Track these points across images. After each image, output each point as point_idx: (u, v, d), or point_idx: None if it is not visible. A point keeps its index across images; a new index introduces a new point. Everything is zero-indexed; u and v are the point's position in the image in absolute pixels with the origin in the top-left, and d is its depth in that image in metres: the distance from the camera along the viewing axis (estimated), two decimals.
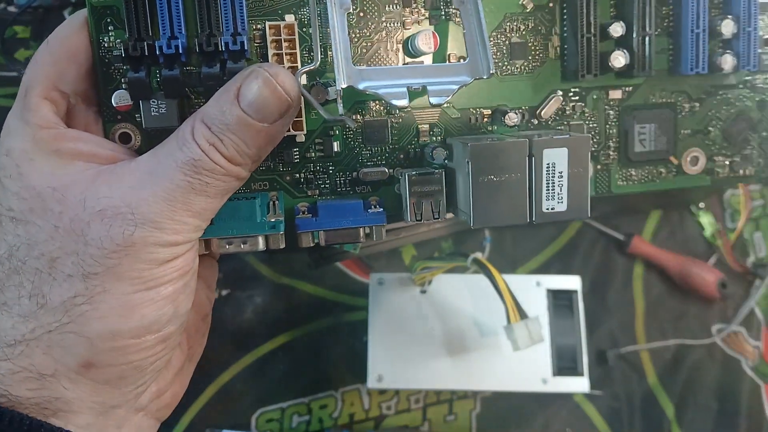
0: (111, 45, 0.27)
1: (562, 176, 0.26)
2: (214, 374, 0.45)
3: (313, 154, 0.29)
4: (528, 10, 0.29)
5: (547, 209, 0.26)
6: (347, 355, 0.46)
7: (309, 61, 0.28)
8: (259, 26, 0.27)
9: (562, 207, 0.26)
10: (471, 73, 0.25)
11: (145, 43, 0.25)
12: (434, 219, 0.28)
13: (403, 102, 0.24)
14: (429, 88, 0.25)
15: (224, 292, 0.45)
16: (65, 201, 0.23)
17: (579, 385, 0.40)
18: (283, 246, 0.28)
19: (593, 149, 0.31)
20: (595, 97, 0.30)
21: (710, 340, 0.48)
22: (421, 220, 0.28)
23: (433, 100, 0.24)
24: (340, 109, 0.25)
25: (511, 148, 0.26)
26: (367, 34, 0.28)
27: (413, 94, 0.25)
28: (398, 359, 0.40)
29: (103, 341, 0.23)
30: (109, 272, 0.23)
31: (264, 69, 0.24)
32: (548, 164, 0.26)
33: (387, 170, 0.29)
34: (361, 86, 0.24)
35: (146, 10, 0.26)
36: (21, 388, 0.22)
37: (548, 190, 0.26)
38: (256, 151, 0.24)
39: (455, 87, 0.25)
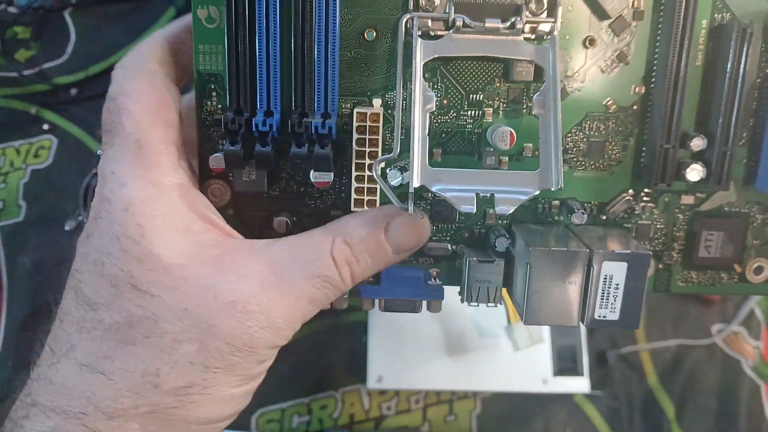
0: (213, 109, 0.29)
1: (618, 288, 0.27)
2: None
3: None
4: (610, 111, 0.29)
5: (599, 317, 0.27)
6: (347, 355, 0.46)
7: (390, 142, 0.29)
8: (347, 105, 0.29)
9: (614, 316, 0.27)
10: (540, 185, 0.26)
11: (243, 119, 0.27)
12: (490, 304, 0.29)
13: (470, 209, 0.25)
14: (497, 196, 0.26)
15: None
16: (194, 283, 0.23)
17: (579, 385, 0.41)
18: (345, 306, 0.30)
19: (658, 249, 0.31)
20: (666, 200, 0.30)
21: (710, 341, 0.48)
22: (477, 304, 0.29)
23: (499, 210, 0.26)
24: (410, 208, 0.26)
25: (572, 257, 0.27)
26: (447, 120, 0.29)
27: (481, 201, 0.26)
28: (398, 359, 0.41)
29: (199, 427, 0.24)
30: (228, 368, 0.23)
31: (414, 217, 0.26)
32: (606, 276, 0.27)
33: (450, 247, 0.31)
34: (433, 188, 0.26)
35: (247, 82, 0.28)
36: None
37: (603, 299, 0.27)
38: (374, 272, 0.27)
39: (522, 197, 0.26)
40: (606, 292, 0.27)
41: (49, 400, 0.23)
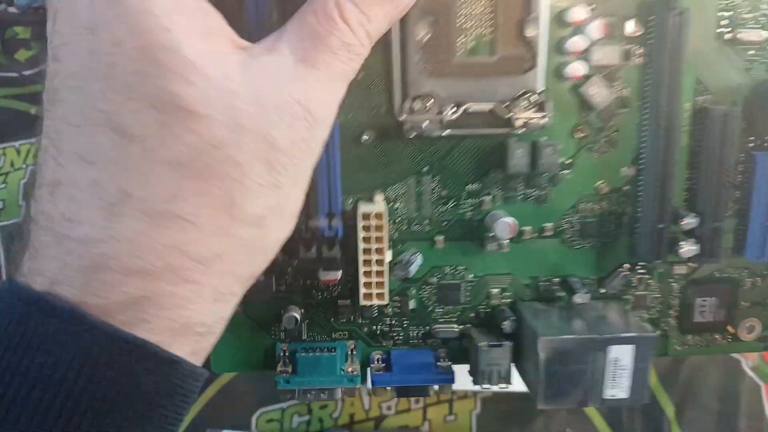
0: None
1: (625, 369, 0.28)
2: (214, 374, 0.45)
3: (390, 311, 0.31)
4: (603, 192, 0.30)
5: (609, 396, 0.28)
6: None
7: (393, 234, 0.30)
8: (349, 200, 0.30)
9: (623, 394, 0.28)
10: None
11: None
12: (501, 385, 0.30)
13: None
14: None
15: None
16: (243, 94, 0.20)
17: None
18: (355, 395, 0.31)
19: (654, 316, 0.32)
20: (660, 271, 0.32)
21: None
22: (489, 386, 0.30)
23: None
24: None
25: (580, 345, 0.28)
26: (448, 210, 0.30)
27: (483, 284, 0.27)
28: None
29: (273, 251, 0.23)
30: (293, 181, 0.22)
31: None
32: (614, 358, 0.28)
33: (457, 328, 0.32)
34: None
35: None
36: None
37: (612, 380, 0.28)
38: (386, 28, 0.23)
39: None
40: (615, 373, 0.28)
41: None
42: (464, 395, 0.46)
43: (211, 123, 0.19)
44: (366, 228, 0.28)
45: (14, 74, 0.47)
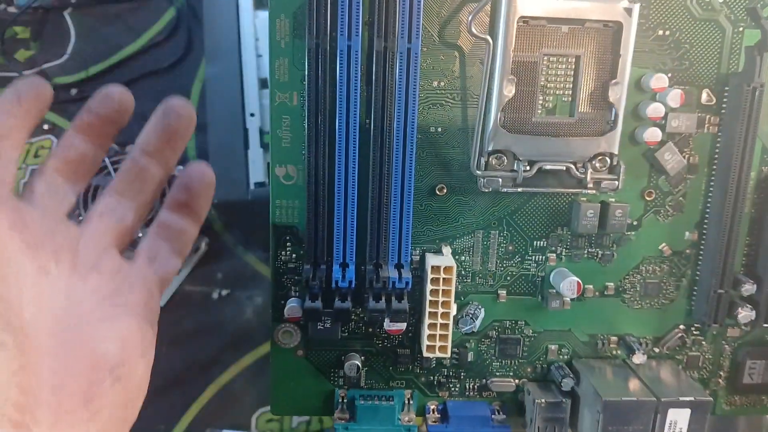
0: (287, 258, 0.29)
1: (681, 430, 0.28)
2: (214, 374, 0.46)
3: (448, 362, 0.32)
4: (665, 255, 0.31)
5: None
6: None
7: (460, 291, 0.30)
8: (416, 252, 0.30)
9: None
10: None
11: (323, 275, 0.28)
12: None
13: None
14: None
15: (224, 292, 0.46)
16: None
17: None
18: None
19: (705, 376, 0.33)
20: (714, 333, 0.32)
21: None
22: None
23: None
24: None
25: (641, 407, 0.28)
26: (512, 265, 0.31)
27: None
28: None
29: None
30: None
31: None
32: (671, 421, 0.28)
33: (514, 382, 0.32)
34: None
35: (324, 236, 0.28)
36: None
37: None
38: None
39: None
40: None
41: None
42: None
43: None
44: (435, 281, 0.29)
45: (14, 74, 0.47)
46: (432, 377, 0.32)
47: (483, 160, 0.28)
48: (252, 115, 0.43)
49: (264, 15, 0.43)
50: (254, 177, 0.43)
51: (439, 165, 0.29)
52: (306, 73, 0.26)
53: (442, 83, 0.28)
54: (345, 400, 0.31)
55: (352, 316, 0.30)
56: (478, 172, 0.28)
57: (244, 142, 0.43)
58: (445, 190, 0.29)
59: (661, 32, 0.28)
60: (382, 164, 0.27)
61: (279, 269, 0.30)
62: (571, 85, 0.28)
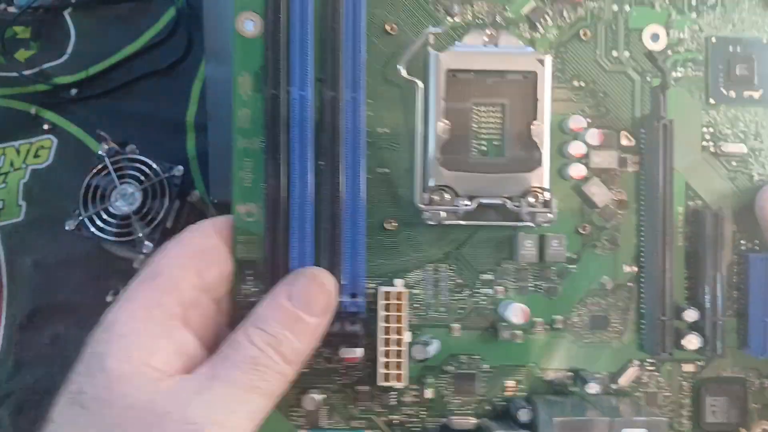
0: (248, 292, 0.31)
1: None
2: None
3: (407, 399, 0.32)
4: (608, 288, 0.32)
5: None
6: None
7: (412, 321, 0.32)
8: (371, 285, 0.32)
9: None
10: None
11: None
12: None
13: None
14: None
15: None
16: (139, 405, 0.24)
17: None
18: None
19: (668, 416, 0.33)
20: (669, 368, 0.33)
21: None
22: None
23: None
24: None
25: (594, 426, 0.28)
26: (463, 299, 0.32)
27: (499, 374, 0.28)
28: None
29: None
30: None
31: (307, 270, 0.28)
32: None
33: (473, 420, 0.32)
34: None
35: (279, 270, 0.30)
36: None
37: None
38: (306, 347, 0.27)
39: None
40: None
41: None
42: None
43: (95, 419, 0.24)
44: (387, 307, 0.30)
45: (14, 74, 0.47)
46: (392, 416, 0.32)
47: (426, 196, 0.31)
48: None
49: None
50: None
51: (388, 203, 0.32)
52: (264, 120, 0.30)
53: (387, 129, 0.32)
54: None
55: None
56: (421, 206, 0.31)
57: None
58: (395, 224, 0.32)
59: (576, 83, 0.32)
60: (334, 202, 0.30)
61: (241, 303, 0.31)
62: (500, 129, 0.32)
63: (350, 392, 0.32)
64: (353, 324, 0.30)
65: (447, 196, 0.31)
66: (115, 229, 0.41)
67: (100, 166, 0.42)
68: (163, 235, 0.41)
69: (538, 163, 0.31)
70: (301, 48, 0.30)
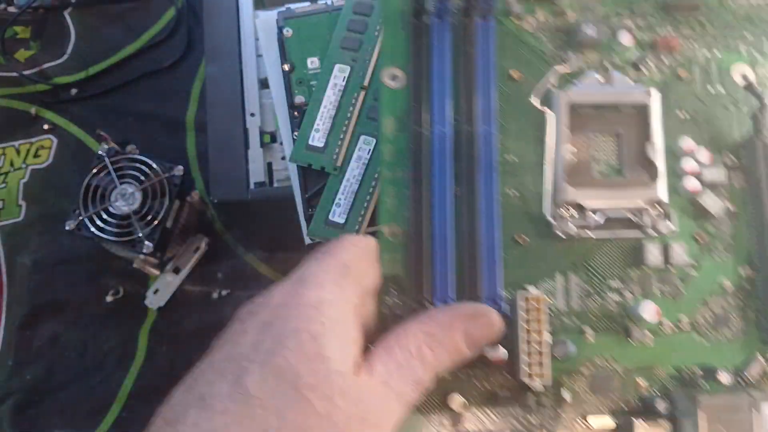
0: (393, 304, 0.31)
1: None
2: None
3: (546, 401, 0.32)
4: (727, 290, 0.33)
5: None
6: None
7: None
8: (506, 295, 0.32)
9: None
10: None
11: None
12: None
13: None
14: None
15: (224, 292, 0.44)
16: (350, 397, 0.24)
17: None
18: None
19: None
20: None
21: None
22: None
23: None
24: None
25: (736, 403, 0.29)
26: (592, 305, 0.33)
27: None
28: None
29: None
30: None
31: (489, 311, 0.28)
32: None
33: (613, 421, 0.32)
34: None
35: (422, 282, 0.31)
36: None
37: None
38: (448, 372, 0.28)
39: None
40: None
41: None
42: None
43: (309, 409, 0.23)
44: (527, 310, 0.30)
45: (14, 74, 0.47)
46: (531, 417, 0.32)
47: (557, 211, 0.33)
48: (252, 115, 0.44)
49: (264, 15, 0.45)
50: (254, 177, 0.43)
51: (519, 220, 0.33)
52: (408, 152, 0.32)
53: (515, 157, 0.34)
54: None
55: None
56: (552, 221, 0.32)
57: (244, 142, 0.44)
58: (526, 238, 0.33)
59: (680, 114, 0.34)
60: (472, 220, 0.32)
61: (386, 315, 0.31)
62: (617, 153, 0.34)
63: (489, 395, 0.31)
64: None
65: (574, 212, 0.33)
66: (115, 229, 0.40)
67: (100, 166, 0.41)
68: (162, 235, 0.40)
69: (654, 179, 0.33)
70: (439, 94, 0.33)
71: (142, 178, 0.41)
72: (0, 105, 0.48)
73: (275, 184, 0.44)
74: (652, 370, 0.33)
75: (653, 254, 0.33)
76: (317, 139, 0.41)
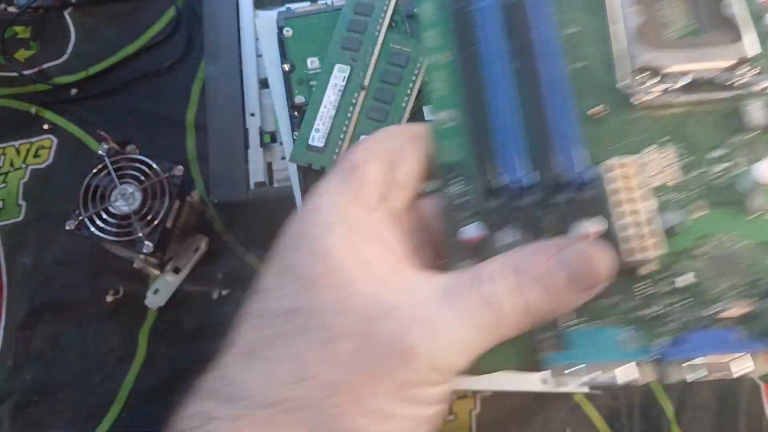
0: (456, 193, 0.27)
1: None
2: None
3: (660, 289, 0.27)
4: None
5: None
6: None
7: None
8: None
9: None
10: None
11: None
12: None
13: None
14: None
15: (224, 292, 0.44)
16: (359, 289, 0.23)
17: (579, 384, 0.39)
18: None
19: None
20: None
21: None
22: None
23: None
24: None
25: None
26: (694, 178, 0.29)
27: None
28: None
29: None
30: (383, 375, 0.22)
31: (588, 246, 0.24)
32: None
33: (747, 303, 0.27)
34: None
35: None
36: None
37: None
38: (543, 315, 0.23)
39: None
40: None
41: (206, 386, 0.23)
42: (464, 395, 0.44)
43: (317, 295, 0.23)
44: (614, 179, 0.26)
45: (14, 74, 0.47)
46: (647, 310, 0.27)
47: (633, 76, 0.29)
48: (252, 114, 0.44)
49: (264, 15, 0.45)
50: (254, 177, 0.43)
51: (591, 94, 0.29)
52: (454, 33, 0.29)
53: (576, 28, 0.30)
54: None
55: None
56: (628, 90, 0.29)
57: (244, 142, 0.44)
58: (603, 111, 0.29)
59: None
60: (535, 95, 0.28)
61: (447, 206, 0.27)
62: (691, 14, 0.30)
63: None
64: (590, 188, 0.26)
65: (653, 78, 0.29)
66: (115, 229, 0.40)
67: (100, 166, 0.41)
68: (162, 235, 0.40)
69: (738, 35, 0.29)
70: None
71: (142, 178, 0.41)
72: (0, 105, 0.48)
73: (275, 184, 0.44)
74: None
75: (756, 113, 0.29)
76: (317, 139, 0.41)
